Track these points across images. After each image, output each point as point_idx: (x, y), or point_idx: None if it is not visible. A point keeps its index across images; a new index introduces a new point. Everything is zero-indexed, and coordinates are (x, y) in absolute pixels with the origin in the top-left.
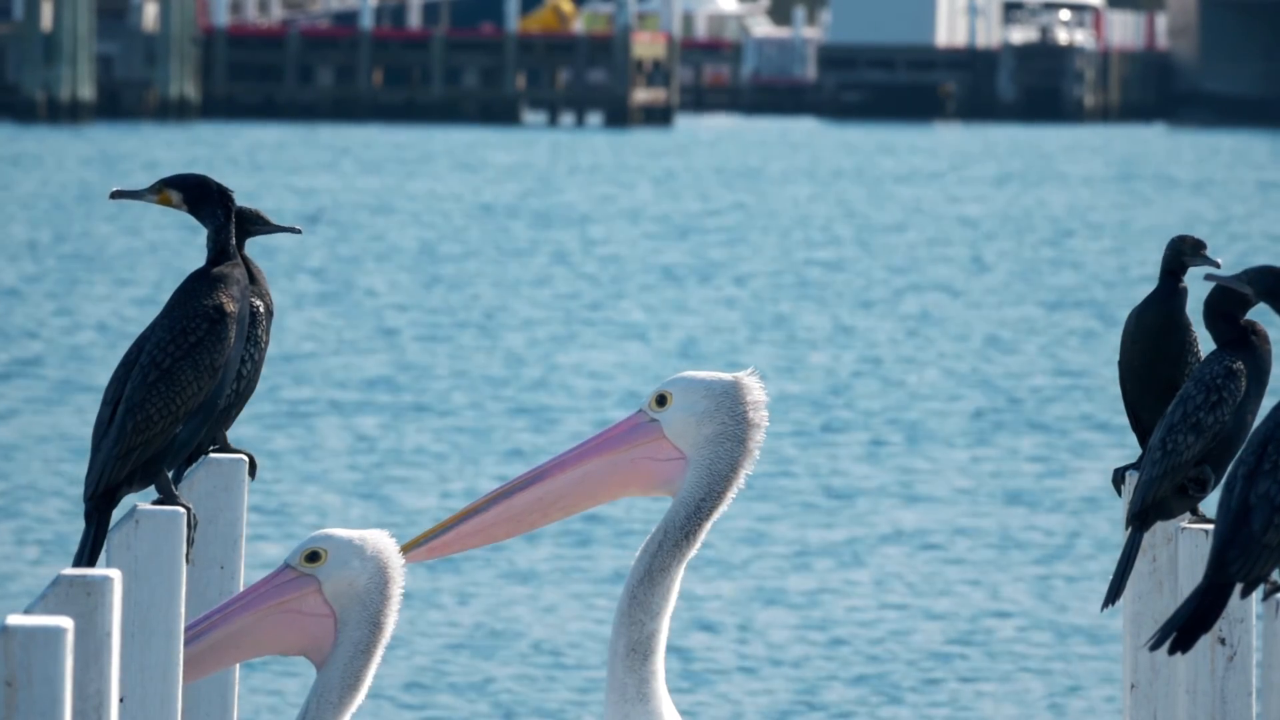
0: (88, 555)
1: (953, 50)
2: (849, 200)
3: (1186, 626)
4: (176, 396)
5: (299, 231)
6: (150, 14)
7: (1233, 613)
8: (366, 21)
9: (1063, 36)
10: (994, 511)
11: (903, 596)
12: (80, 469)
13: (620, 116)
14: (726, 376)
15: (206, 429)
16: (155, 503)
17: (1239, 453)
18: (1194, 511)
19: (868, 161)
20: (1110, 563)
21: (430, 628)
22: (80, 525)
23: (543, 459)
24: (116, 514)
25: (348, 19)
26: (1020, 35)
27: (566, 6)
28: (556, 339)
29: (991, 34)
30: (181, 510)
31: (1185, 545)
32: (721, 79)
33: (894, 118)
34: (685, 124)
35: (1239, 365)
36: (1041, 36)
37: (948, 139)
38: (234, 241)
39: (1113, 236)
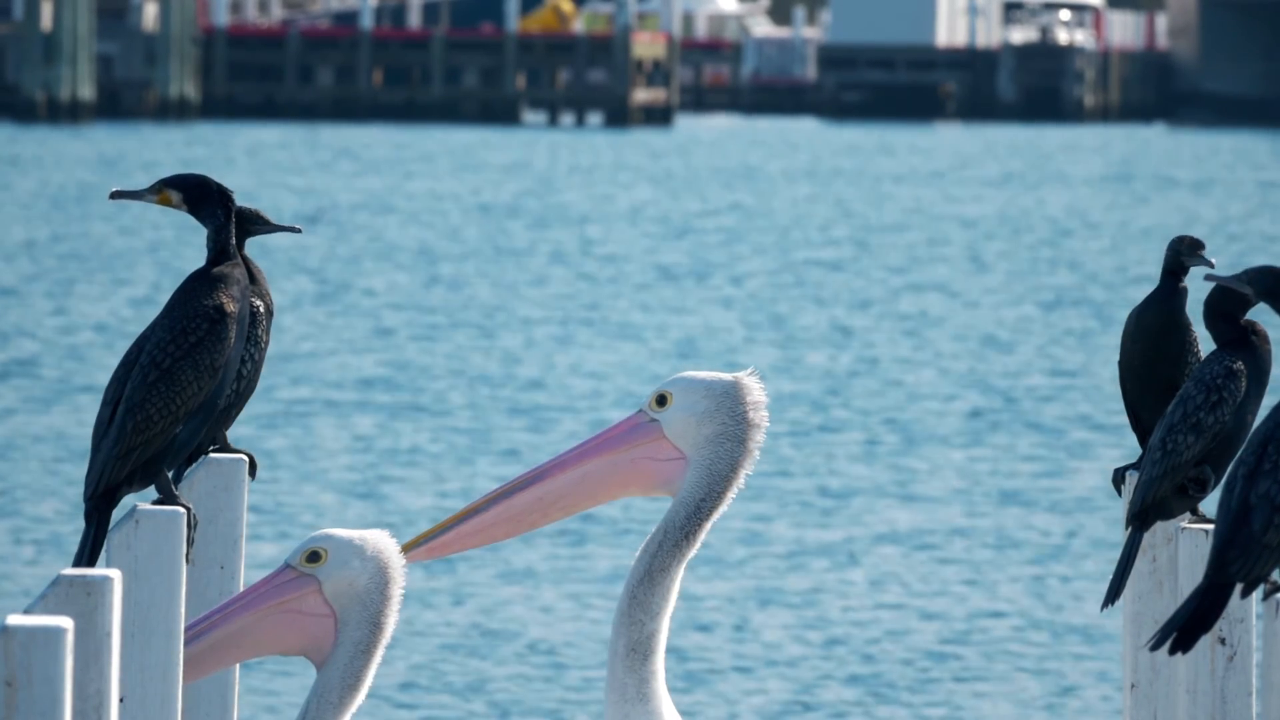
0: (88, 555)
1: (953, 50)
2: (848, 200)
3: (1187, 626)
4: (177, 396)
5: (299, 230)
6: (150, 14)
7: (1233, 613)
8: (366, 21)
9: (1063, 36)
10: (991, 511)
11: (899, 596)
12: (79, 469)
13: (620, 116)
14: (727, 377)
15: (206, 429)
16: (155, 503)
17: (1239, 453)
18: (1194, 511)
19: (868, 162)
20: (1107, 563)
21: (427, 627)
22: (80, 525)
23: (541, 459)
24: (116, 514)
25: (348, 19)
26: (1020, 35)
27: (566, 6)
28: (555, 339)
29: (991, 34)
30: (181, 510)
31: (1185, 545)
32: (721, 79)
33: (894, 118)
34: (685, 124)
35: (1239, 365)
36: (1041, 36)
37: (948, 139)
38: (234, 241)
39: (1112, 236)
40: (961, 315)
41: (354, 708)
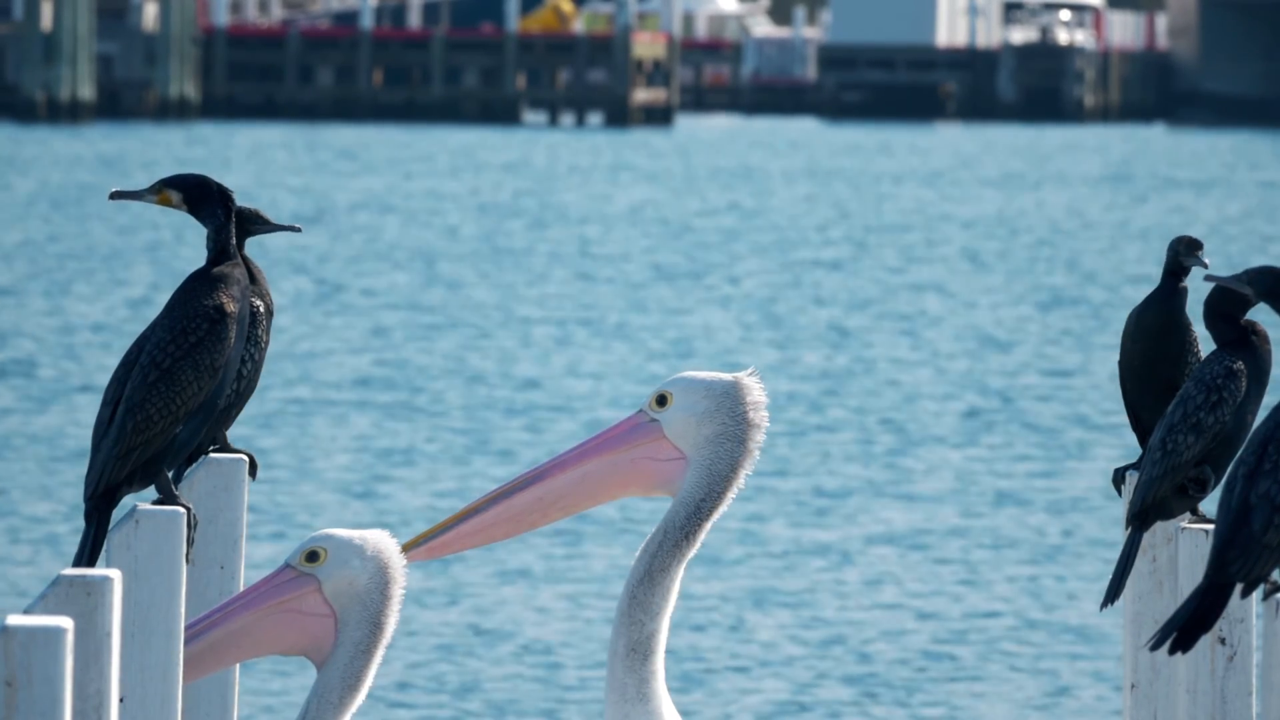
0: (88, 555)
1: (953, 50)
2: (848, 200)
3: (1187, 626)
4: (177, 396)
5: (299, 230)
6: (150, 14)
7: (1233, 613)
8: (366, 21)
9: (1063, 36)
10: (988, 511)
11: (896, 596)
12: (78, 469)
13: (620, 116)
14: (727, 377)
15: (207, 429)
16: (155, 503)
17: (1239, 453)
18: (1194, 511)
19: (867, 162)
20: (1104, 563)
21: (424, 627)
22: (80, 525)
23: (540, 459)
24: (116, 514)
25: (348, 19)
26: (1020, 35)
27: (566, 6)
28: (554, 339)
29: (992, 34)
30: (181, 510)
31: (1185, 545)
32: (722, 79)
33: (894, 118)
34: (685, 124)
35: (1239, 365)
36: (1042, 36)
37: (948, 139)
38: (234, 241)
39: (1111, 236)
40: (960, 315)
41: (354, 708)
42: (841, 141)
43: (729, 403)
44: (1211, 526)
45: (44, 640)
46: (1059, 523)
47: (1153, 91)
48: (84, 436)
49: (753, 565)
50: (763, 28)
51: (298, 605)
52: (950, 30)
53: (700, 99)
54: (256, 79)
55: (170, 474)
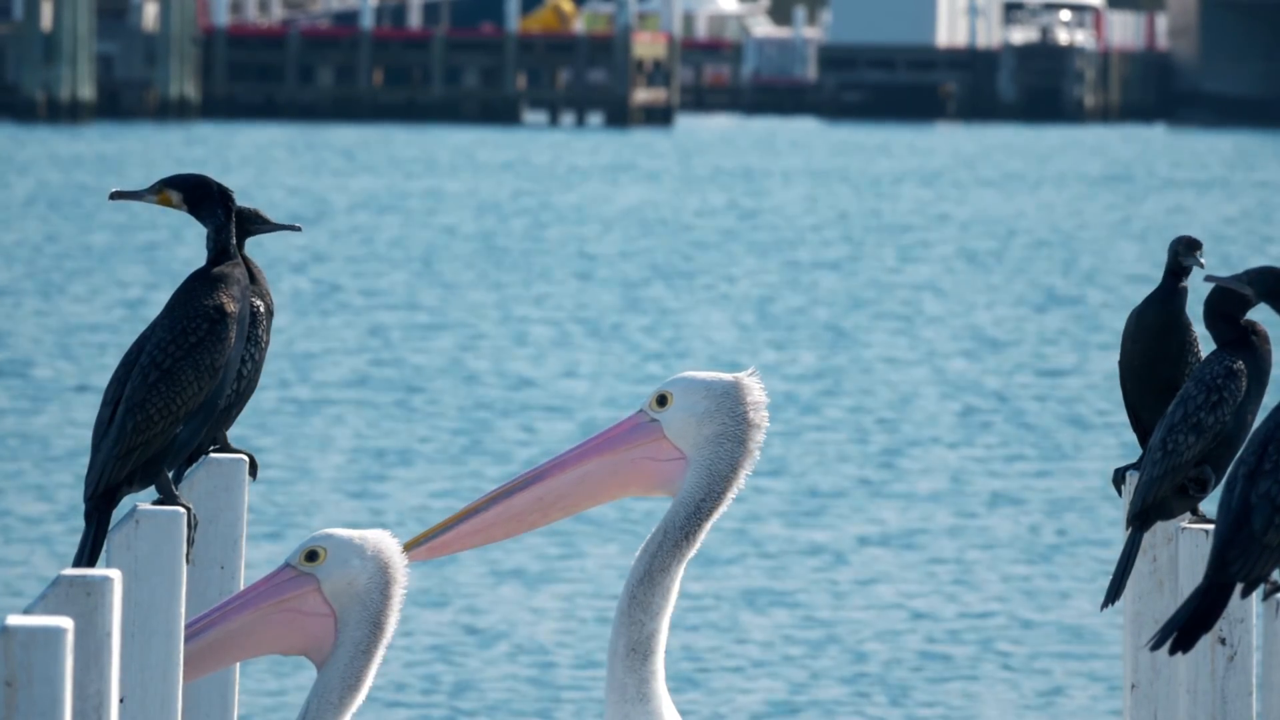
0: (88, 555)
1: (953, 50)
2: (848, 200)
3: (1187, 626)
4: (177, 396)
5: (299, 229)
6: (150, 14)
7: (1233, 613)
8: (367, 21)
9: (1063, 37)
10: (984, 511)
11: (892, 596)
12: (76, 469)
13: (620, 116)
14: (727, 377)
15: (207, 429)
16: (155, 503)
17: (1240, 452)
18: (1194, 511)
19: (867, 162)
20: (1101, 562)
21: (421, 627)
22: (79, 525)
23: (538, 458)
24: (116, 514)
25: (348, 19)
26: (1020, 35)
27: (567, 6)
28: (552, 339)
29: (992, 34)
30: (181, 510)
31: (1185, 545)
32: (722, 79)
33: (894, 118)
34: (685, 124)
35: (1239, 365)
36: (1042, 37)
37: (948, 139)
38: (234, 241)
39: (1111, 237)
40: (958, 315)
41: (354, 708)
42: (841, 141)
43: (729, 403)
44: (1212, 526)
45: (44, 640)
46: (1055, 522)
47: (1153, 92)
48: (81, 436)
49: (748, 565)
50: (763, 28)
51: (297, 605)
52: (950, 30)
53: (700, 99)
54: (256, 79)
55: (170, 474)
